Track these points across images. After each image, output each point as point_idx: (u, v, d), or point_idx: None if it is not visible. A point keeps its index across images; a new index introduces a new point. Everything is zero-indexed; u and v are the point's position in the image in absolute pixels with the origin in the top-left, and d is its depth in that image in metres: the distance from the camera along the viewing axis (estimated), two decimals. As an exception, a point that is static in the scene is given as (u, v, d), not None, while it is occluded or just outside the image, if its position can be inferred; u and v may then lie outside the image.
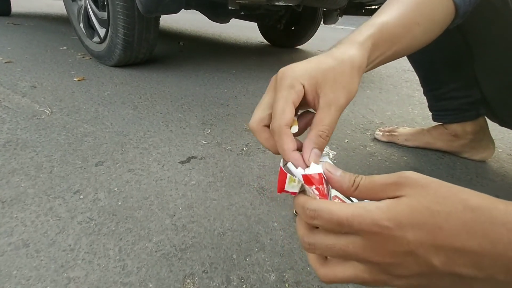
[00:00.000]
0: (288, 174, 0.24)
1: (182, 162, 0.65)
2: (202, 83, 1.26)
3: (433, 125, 0.78)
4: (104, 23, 1.27)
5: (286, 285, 0.38)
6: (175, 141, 0.75)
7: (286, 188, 0.24)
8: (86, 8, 1.35)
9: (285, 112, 0.24)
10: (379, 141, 0.83)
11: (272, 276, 0.39)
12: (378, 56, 0.32)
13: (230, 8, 1.17)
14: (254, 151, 0.73)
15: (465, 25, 0.53)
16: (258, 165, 0.67)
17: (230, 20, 1.86)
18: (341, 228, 0.20)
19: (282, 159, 0.25)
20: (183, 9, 1.56)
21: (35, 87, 1.07)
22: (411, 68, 0.75)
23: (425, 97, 0.77)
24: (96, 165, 0.62)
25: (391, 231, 0.19)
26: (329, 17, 2.03)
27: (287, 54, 2.20)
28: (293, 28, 2.46)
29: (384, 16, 0.34)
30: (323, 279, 0.23)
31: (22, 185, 0.54)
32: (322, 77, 0.26)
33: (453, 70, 0.66)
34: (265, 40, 2.69)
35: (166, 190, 0.55)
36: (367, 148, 0.79)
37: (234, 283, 0.38)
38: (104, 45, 1.32)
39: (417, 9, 0.34)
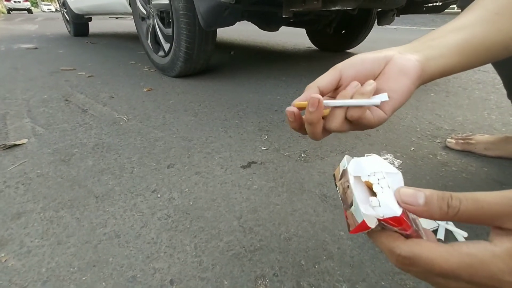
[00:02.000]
0: (371, 229, 0.20)
1: (244, 167, 0.68)
2: (255, 90, 1.30)
3: (521, 132, 0.68)
4: (168, 38, 1.40)
5: (360, 297, 0.37)
6: (235, 147, 0.78)
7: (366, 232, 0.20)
8: (154, 26, 1.50)
9: (324, 76, 0.28)
10: (451, 149, 0.76)
11: (343, 286, 0.38)
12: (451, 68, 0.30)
13: (282, 16, 1.19)
14: (313, 158, 0.72)
15: None
16: (318, 171, 0.66)
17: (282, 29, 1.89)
18: (444, 277, 0.18)
19: (357, 211, 0.20)
20: (238, 21, 1.64)
21: (113, 97, 1.22)
22: (483, 68, 0.67)
23: (509, 101, 0.68)
24: (168, 167, 0.69)
25: None
26: (384, 18, 1.92)
27: (336, 59, 2.14)
28: (343, 31, 2.39)
29: (475, 31, 0.31)
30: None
31: (110, 183, 0.62)
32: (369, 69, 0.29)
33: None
34: (313, 45, 2.67)
35: (231, 193, 0.58)
36: (438, 157, 0.72)
37: (305, 289, 0.38)
38: (168, 58, 1.45)
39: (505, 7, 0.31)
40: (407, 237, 0.20)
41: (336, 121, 0.27)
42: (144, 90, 1.31)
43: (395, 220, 0.19)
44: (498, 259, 0.16)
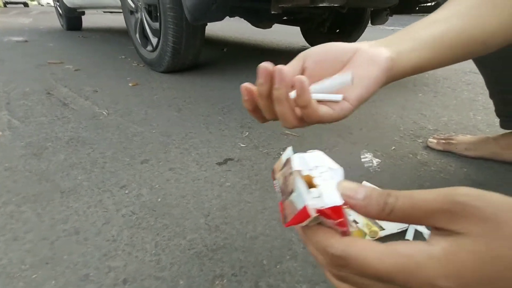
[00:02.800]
0: (310, 217, 0.18)
1: (219, 164, 0.66)
2: (243, 87, 1.29)
3: (501, 133, 0.67)
4: (156, 32, 1.37)
5: (319, 299, 0.36)
6: (214, 143, 0.77)
7: (301, 225, 0.19)
8: (141, 20, 1.48)
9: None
10: (432, 149, 0.75)
11: (303, 287, 0.37)
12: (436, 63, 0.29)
13: (273, 13, 1.17)
14: (291, 156, 0.71)
15: None
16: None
17: (273, 26, 1.87)
18: (382, 282, 0.17)
19: (299, 197, 0.19)
20: (227, 17, 1.62)
21: (97, 91, 1.19)
22: (474, 69, 0.66)
23: (491, 101, 0.67)
24: (142, 162, 0.67)
25: None
26: (378, 18, 1.91)
27: (331, 58, 2.12)
28: (337, 30, 2.38)
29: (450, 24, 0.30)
30: None
31: (79, 178, 0.61)
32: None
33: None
34: (307, 44, 2.65)
35: (203, 190, 0.57)
36: (418, 157, 0.71)
37: (263, 290, 0.37)
38: (156, 53, 1.43)
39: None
40: (343, 234, 0.19)
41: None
42: (130, 85, 1.28)
43: (336, 210, 0.18)
44: (434, 260, 0.15)
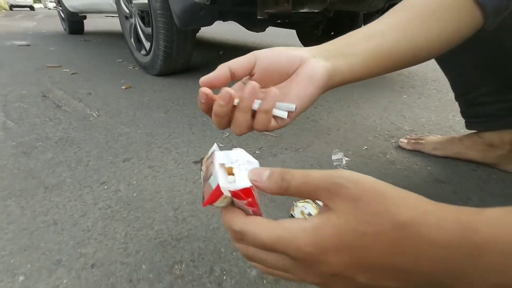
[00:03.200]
0: (223, 195, 0.22)
1: (196, 162, 0.70)
2: (232, 89, 1.33)
3: (467, 133, 0.70)
4: (149, 37, 1.42)
5: (265, 281, 0.39)
6: (195, 143, 0.81)
7: (215, 204, 0.22)
8: (135, 25, 1.53)
9: (238, 59, 0.30)
10: (403, 149, 0.78)
11: (253, 272, 0.41)
12: (372, 72, 0.32)
13: (259, 18, 1.21)
14: (266, 155, 0.74)
15: (500, 26, 0.47)
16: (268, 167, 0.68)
17: (269, 29, 1.91)
18: (267, 250, 0.20)
19: (215, 178, 0.22)
20: (222, 21, 1.66)
21: (90, 94, 1.24)
22: None
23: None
24: (124, 161, 0.71)
25: (315, 257, 0.19)
26: (370, 20, 1.94)
27: (323, 60, 2.16)
28: (332, 33, 2.42)
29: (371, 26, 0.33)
30: (263, 273, 0.24)
31: (63, 175, 0.65)
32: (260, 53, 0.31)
33: (485, 73, 0.59)
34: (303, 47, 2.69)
35: (176, 186, 0.61)
36: (387, 156, 0.74)
37: (216, 274, 0.41)
38: (149, 56, 1.48)
39: (417, 13, 0.33)
40: (254, 214, 0.23)
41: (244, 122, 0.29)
42: (123, 87, 1.33)
43: (245, 192, 0.21)
44: (304, 232, 0.19)
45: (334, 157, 0.73)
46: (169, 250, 0.45)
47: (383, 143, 0.81)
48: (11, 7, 19.40)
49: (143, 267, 0.42)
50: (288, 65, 0.30)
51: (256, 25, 1.76)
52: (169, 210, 0.54)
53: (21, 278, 0.40)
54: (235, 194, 0.21)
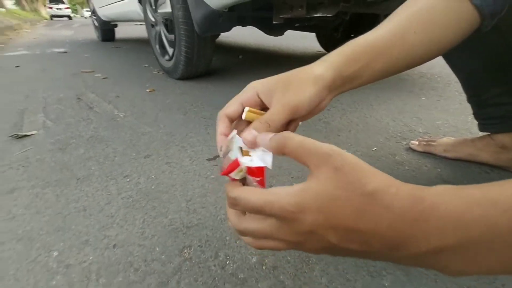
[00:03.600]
0: (240, 166, 0.25)
1: (209, 160, 0.75)
2: (248, 92, 1.37)
3: (480, 135, 0.69)
4: (172, 44, 1.51)
5: (264, 267, 0.43)
6: (209, 142, 0.86)
7: (231, 175, 0.25)
8: (160, 32, 1.63)
9: (229, 105, 0.31)
10: (414, 151, 0.78)
11: (253, 258, 0.44)
12: (359, 69, 0.33)
13: (274, 23, 1.25)
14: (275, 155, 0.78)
15: (502, 26, 0.48)
16: (274, 166, 0.72)
17: (288, 32, 1.94)
18: (258, 213, 0.24)
19: (234, 153, 0.27)
20: (241, 26, 1.73)
21: (119, 96, 1.35)
22: None
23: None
24: (145, 157, 0.78)
25: (295, 215, 0.21)
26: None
27: (341, 62, 2.14)
28: (352, 35, 2.40)
29: (370, 32, 0.35)
30: (249, 245, 0.27)
31: (93, 168, 0.73)
32: (275, 84, 0.31)
33: (494, 74, 0.59)
34: (323, 50, 2.69)
35: (190, 181, 0.66)
36: (396, 157, 0.75)
37: (220, 258, 0.45)
38: (172, 62, 1.57)
39: (414, 17, 0.34)
40: None
41: None
42: (147, 91, 1.43)
43: (259, 170, 0.25)
44: (288, 195, 0.22)
45: (342, 158, 0.75)
46: (180, 236, 0.50)
47: (394, 145, 0.82)
48: (52, 17, 21.06)
49: (157, 249, 0.47)
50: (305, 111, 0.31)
51: (274, 29, 1.80)
52: (182, 201, 0.59)
53: (55, 253, 0.47)
54: (250, 170, 0.25)
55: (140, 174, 0.70)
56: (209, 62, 1.56)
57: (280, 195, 0.22)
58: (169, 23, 1.51)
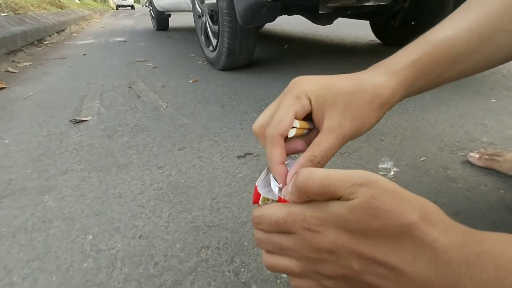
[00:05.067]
0: (262, 195, 0.24)
1: (239, 157, 0.75)
2: (288, 86, 1.33)
3: None
4: (216, 34, 1.53)
5: (278, 281, 0.41)
6: (242, 138, 0.85)
7: (260, 203, 0.25)
8: (205, 23, 1.66)
9: (283, 121, 0.24)
10: (472, 165, 0.67)
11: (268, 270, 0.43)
12: (430, 81, 0.28)
13: (321, 12, 1.17)
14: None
15: None
16: (305, 169, 0.68)
17: (338, 19, 1.82)
18: (280, 228, 0.22)
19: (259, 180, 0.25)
20: (286, 15, 1.66)
21: (164, 86, 1.42)
22: None
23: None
24: (179, 149, 0.81)
25: (317, 227, 0.20)
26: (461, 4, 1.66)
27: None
28: (412, 23, 2.14)
29: (448, 29, 0.29)
30: (265, 263, 0.25)
31: (132, 157, 0.78)
32: (332, 98, 0.25)
33: None
34: (376, 39, 2.47)
35: (217, 178, 0.66)
36: (448, 171, 0.65)
37: (236, 264, 0.44)
38: (215, 52, 1.59)
39: (507, 12, 0.27)
40: None
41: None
42: (190, 81, 1.48)
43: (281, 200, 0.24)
44: (311, 207, 0.20)
45: (381, 166, 0.68)
46: (201, 235, 0.50)
47: (448, 156, 0.71)
48: (117, 7, 23.05)
49: (177, 245, 0.48)
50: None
51: (322, 18, 1.69)
52: (207, 199, 0.60)
53: (90, 237, 0.51)
54: (281, 200, 0.23)
55: (172, 166, 0.72)
56: (251, 54, 1.54)
57: (304, 207, 0.21)
58: (214, 14, 1.52)
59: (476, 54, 0.28)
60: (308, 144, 0.26)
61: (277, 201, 0.24)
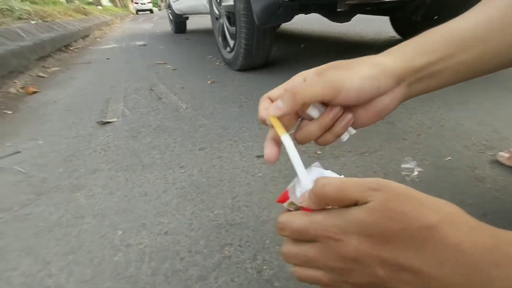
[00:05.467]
0: (290, 199, 0.25)
1: (258, 157, 0.76)
2: (306, 85, 1.32)
3: None
4: (233, 36, 1.55)
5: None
6: (260, 138, 0.86)
7: (284, 205, 0.26)
8: (223, 25, 1.68)
9: (273, 90, 0.29)
10: (502, 165, 0.64)
11: (290, 268, 0.43)
12: (437, 60, 0.27)
13: (339, 10, 1.15)
14: (327, 156, 0.74)
15: None
16: (325, 168, 0.68)
17: (357, 15, 1.78)
18: (303, 236, 0.22)
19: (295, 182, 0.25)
20: (303, 14, 1.65)
21: (184, 88, 1.46)
22: None
23: None
24: (200, 149, 0.83)
25: (338, 236, 0.20)
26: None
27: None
28: (435, 17, 2.06)
29: (459, 18, 0.29)
30: (295, 275, 0.25)
31: (156, 157, 0.81)
32: (324, 67, 0.28)
33: None
34: (396, 35, 2.39)
35: (237, 177, 0.68)
36: (476, 171, 0.63)
37: (258, 262, 0.45)
38: (232, 53, 1.62)
39: None
40: None
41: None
42: (208, 82, 1.51)
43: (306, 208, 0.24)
44: (332, 216, 0.21)
45: (404, 166, 0.66)
46: (223, 232, 0.52)
47: (475, 155, 0.68)
48: (137, 11, 23.83)
49: (201, 242, 0.50)
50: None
51: (340, 16, 1.67)
52: (228, 198, 0.61)
53: (119, 232, 0.54)
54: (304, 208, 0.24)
55: (194, 166, 0.75)
56: (268, 54, 1.55)
57: (325, 216, 0.21)
58: (231, 15, 1.54)
59: (489, 41, 0.27)
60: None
61: (300, 208, 0.24)
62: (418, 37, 0.29)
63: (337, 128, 0.28)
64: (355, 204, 0.21)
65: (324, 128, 0.28)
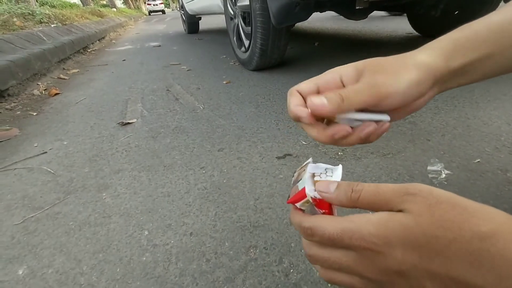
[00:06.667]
0: (306, 198, 0.23)
1: (278, 158, 0.76)
2: (323, 84, 1.31)
3: None
4: (248, 36, 1.55)
5: (329, 285, 0.41)
6: (279, 138, 0.86)
7: (297, 205, 0.24)
8: (238, 25, 1.69)
9: (303, 83, 0.27)
10: (536, 167, 0.61)
11: (318, 272, 0.43)
12: (476, 60, 0.26)
13: (357, 8, 1.13)
14: (349, 157, 0.73)
15: None
16: (347, 170, 0.67)
17: (373, 12, 1.74)
18: (335, 243, 0.21)
19: (303, 183, 0.25)
20: (319, 12, 1.63)
21: (199, 88, 1.47)
22: None
23: None
24: (219, 150, 0.83)
25: (379, 247, 0.19)
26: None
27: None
28: (456, 12, 1.99)
29: (495, 13, 0.27)
30: (323, 276, 0.24)
31: (176, 157, 0.82)
32: (363, 65, 0.26)
33: None
34: (414, 31, 2.33)
35: (258, 179, 0.68)
36: (508, 174, 0.60)
37: (285, 265, 0.45)
38: (247, 53, 1.61)
39: None
40: None
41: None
42: (224, 82, 1.51)
43: (324, 202, 0.23)
44: (370, 223, 0.19)
45: (430, 168, 0.64)
46: (247, 234, 0.52)
47: (506, 157, 0.66)
48: (149, 12, 24.23)
49: (226, 244, 0.50)
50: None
51: (356, 13, 1.64)
52: (250, 199, 0.61)
53: (146, 232, 0.55)
54: (315, 200, 0.23)
55: (214, 167, 0.75)
56: (283, 53, 1.54)
57: (360, 223, 0.20)
58: (246, 15, 1.54)
59: None
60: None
61: (312, 204, 0.23)
62: (457, 31, 0.27)
63: (372, 136, 0.27)
64: (390, 210, 0.20)
65: (363, 141, 0.27)
